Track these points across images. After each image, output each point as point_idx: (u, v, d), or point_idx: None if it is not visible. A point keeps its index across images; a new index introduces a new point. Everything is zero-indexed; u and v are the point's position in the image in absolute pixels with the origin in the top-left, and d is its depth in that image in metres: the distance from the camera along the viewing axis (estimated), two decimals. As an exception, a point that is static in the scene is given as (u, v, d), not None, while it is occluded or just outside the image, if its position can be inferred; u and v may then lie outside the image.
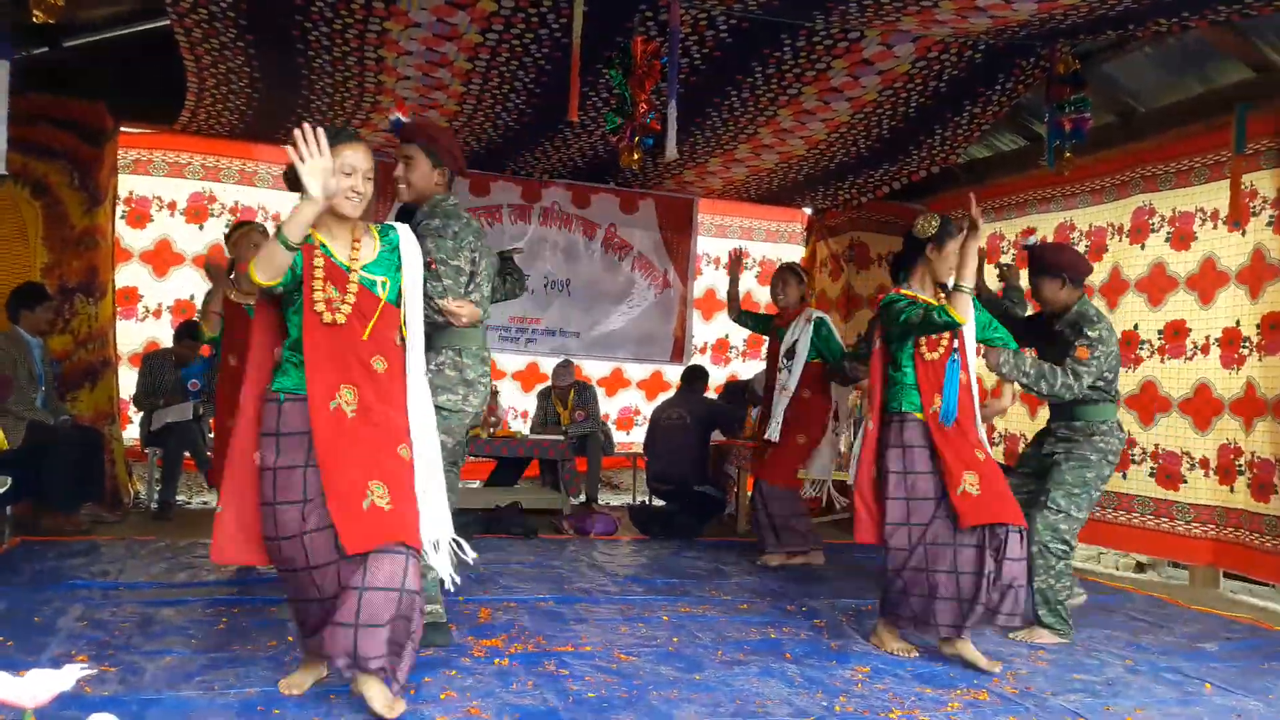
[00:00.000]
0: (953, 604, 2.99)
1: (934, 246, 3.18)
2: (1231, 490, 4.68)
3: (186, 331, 5.64)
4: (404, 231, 2.50)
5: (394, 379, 2.40)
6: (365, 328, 2.36)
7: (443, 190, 3.04)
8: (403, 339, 2.45)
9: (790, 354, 4.71)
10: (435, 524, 2.40)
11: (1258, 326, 4.58)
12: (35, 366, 4.82)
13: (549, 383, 6.87)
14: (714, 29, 4.18)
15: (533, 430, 6.74)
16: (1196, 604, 4.32)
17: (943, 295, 3.18)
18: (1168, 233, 5.13)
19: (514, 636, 3.13)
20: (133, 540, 4.54)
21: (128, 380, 5.87)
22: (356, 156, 2.38)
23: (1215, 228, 4.91)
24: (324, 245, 2.38)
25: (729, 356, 8.25)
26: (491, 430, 6.01)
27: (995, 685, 2.88)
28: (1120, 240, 5.42)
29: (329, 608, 2.31)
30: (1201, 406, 4.83)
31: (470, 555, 2.49)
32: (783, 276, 4.96)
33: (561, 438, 6.16)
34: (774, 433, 4.67)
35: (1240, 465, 4.67)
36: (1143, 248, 5.27)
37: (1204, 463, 4.82)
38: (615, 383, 7.62)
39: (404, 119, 3.10)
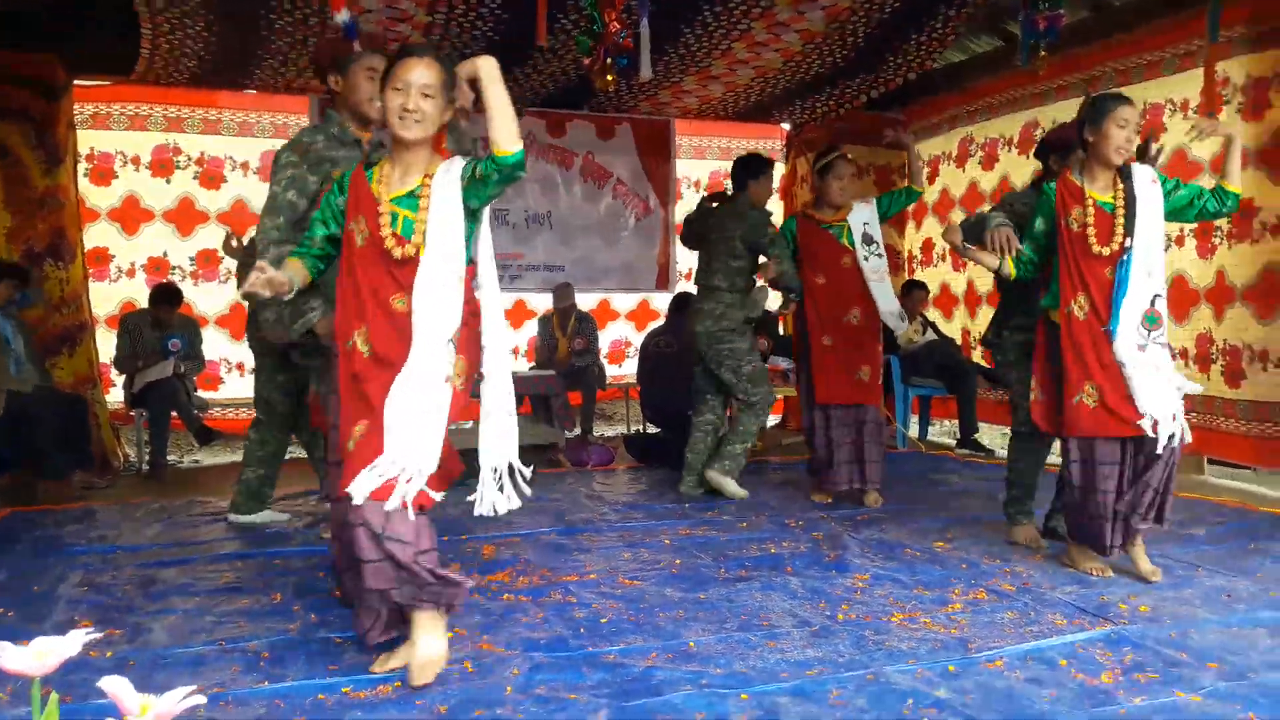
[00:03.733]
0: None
1: (1090, 128, 2.96)
2: (1207, 378, 4.75)
3: (163, 296, 5.53)
4: (447, 166, 2.22)
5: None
6: (384, 263, 2.19)
7: None
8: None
9: (869, 240, 4.12)
10: (491, 450, 2.27)
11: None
12: (7, 336, 4.74)
13: (548, 309, 6.82)
14: (681, -59, 4.04)
15: (537, 355, 6.71)
16: (1182, 491, 4.40)
17: (1121, 185, 3.01)
18: (1137, 124, 5.09)
19: (519, 570, 3.17)
20: (127, 504, 4.52)
21: (106, 343, 5.79)
22: (410, 70, 2.15)
23: (1185, 117, 4.88)
24: (369, 171, 2.26)
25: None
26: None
27: (993, 584, 2.94)
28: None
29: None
30: (1179, 298, 4.88)
31: (525, 485, 2.36)
32: (843, 170, 4.17)
33: (552, 372, 6.15)
34: (899, 321, 4.21)
35: (1213, 353, 4.74)
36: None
37: (1184, 353, 4.89)
38: (603, 315, 7.58)
39: (355, 24, 2.89)
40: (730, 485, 4.39)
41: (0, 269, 4.88)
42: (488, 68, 2.17)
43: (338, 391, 2.31)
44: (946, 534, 3.61)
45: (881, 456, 4.19)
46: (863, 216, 4.15)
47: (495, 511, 2.25)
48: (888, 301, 4.13)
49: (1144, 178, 2.97)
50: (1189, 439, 2.92)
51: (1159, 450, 2.87)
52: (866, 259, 4.11)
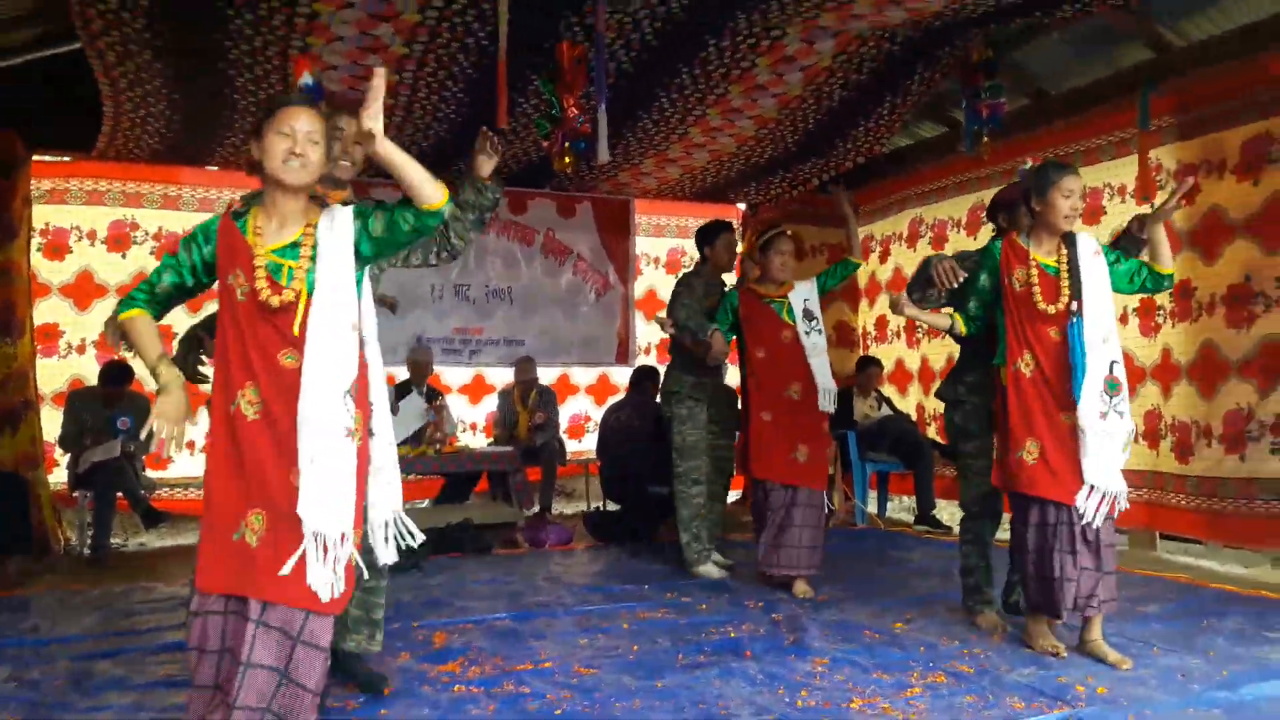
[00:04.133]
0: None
1: (1035, 198, 3.04)
2: (1157, 454, 4.85)
3: (113, 373, 5.42)
4: (329, 215, 2.16)
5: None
6: (269, 317, 2.07)
7: None
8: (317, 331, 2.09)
9: (810, 316, 4.15)
10: (320, 512, 2.04)
11: (1170, 295, 4.76)
12: None
13: (509, 383, 6.80)
14: (639, 31, 4.18)
15: (495, 430, 6.64)
16: (1137, 568, 4.46)
17: (1064, 250, 3.07)
18: (1082, 192, 5.31)
19: (471, 659, 3.08)
20: (65, 590, 4.34)
21: (52, 422, 5.64)
22: (295, 118, 2.10)
23: (1124, 201, 5.12)
24: (240, 222, 2.13)
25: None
26: (438, 446, 5.91)
27: (952, 665, 2.93)
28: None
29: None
30: (1126, 375, 4.98)
31: (418, 537, 2.27)
32: (785, 246, 4.21)
33: (510, 449, 6.10)
34: (829, 402, 4.08)
35: (1162, 429, 4.85)
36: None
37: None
38: (563, 389, 7.58)
39: (314, 83, 2.83)
40: (704, 570, 4.40)
41: None
42: (378, 129, 2.02)
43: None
44: (905, 615, 3.59)
45: (815, 541, 3.98)
46: (803, 293, 4.18)
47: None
48: (825, 379, 4.08)
49: (1087, 247, 3.05)
50: (1124, 507, 2.97)
51: (1093, 522, 2.92)
52: (807, 334, 4.11)
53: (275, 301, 2.07)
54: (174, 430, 2.08)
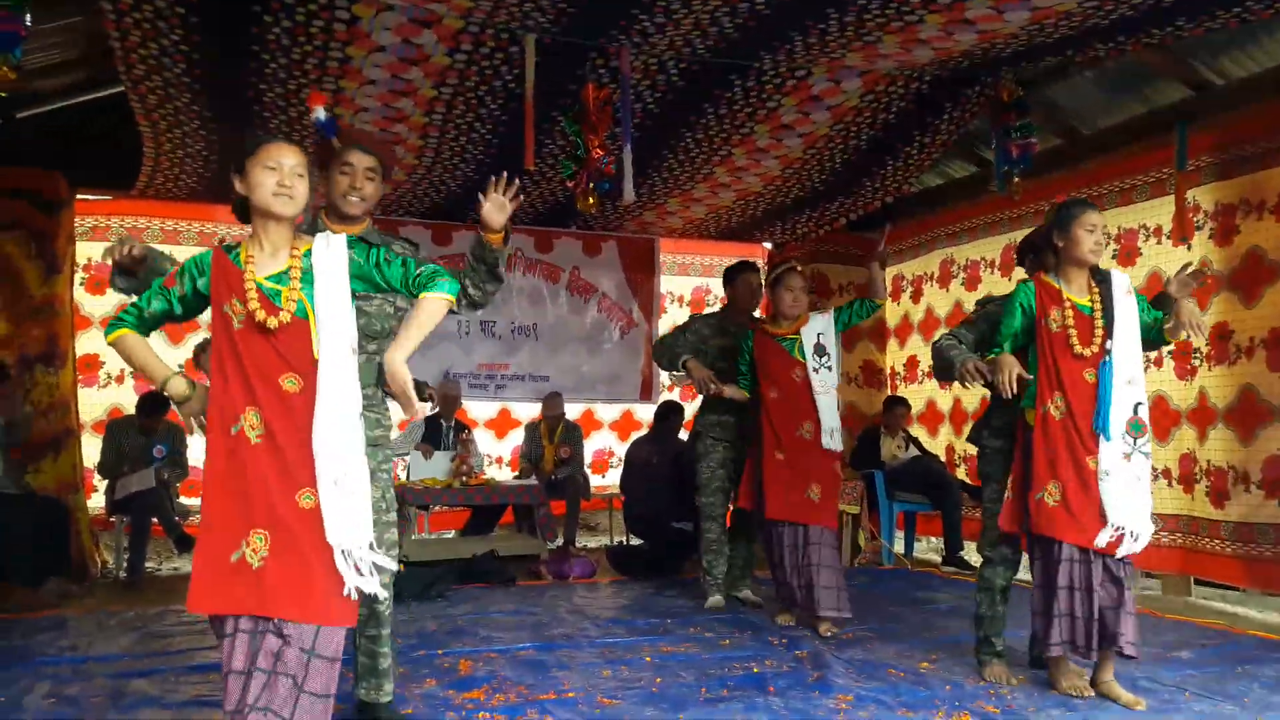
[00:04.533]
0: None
1: (1058, 233, 3.03)
2: (1192, 498, 4.77)
3: (150, 403, 5.55)
4: (323, 241, 2.23)
5: (309, 403, 2.12)
6: (270, 343, 2.13)
7: None
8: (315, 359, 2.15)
9: (821, 351, 4.09)
10: (346, 530, 2.10)
11: (1207, 338, 4.70)
12: None
13: (536, 417, 6.86)
14: (664, 73, 4.27)
15: (521, 464, 6.68)
16: (1170, 613, 4.37)
17: (1096, 289, 3.04)
18: (1114, 249, 5.28)
19: (495, 688, 3.09)
20: (102, 612, 4.43)
21: (91, 449, 5.77)
22: (282, 153, 2.18)
23: (1160, 243, 5.06)
24: (237, 255, 2.20)
25: (697, 393, 8.30)
26: (464, 479, 5.97)
27: (977, 706, 2.89)
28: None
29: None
30: (1160, 418, 4.94)
31: (392, 567, 2.30)
32: (794, 282, 4.17)
33: (535, 483, 6.14)
34: (835, 441, 4.04)
35: (1197, 474, 4.77)
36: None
37: (1166, 473, 4.92)
38: (587, 424, 7.63)
39: (328, 118, 2.83)
40: (709, 602, 4.43)
41: None
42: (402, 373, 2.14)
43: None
44: (931, 654, 3.55)
45: (837, 582, 3.91)
46: (817, 327, 4.12)
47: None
48: (830, 418, 4.02)
49: (1120, 285, 3.02)
50: (1138, 548, 2.91)
51: (1118, 568, 2.88)
52: (816, 370, 4.05)
53: (272, 323, 2.13)
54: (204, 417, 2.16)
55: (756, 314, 4.71)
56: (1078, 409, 2.94)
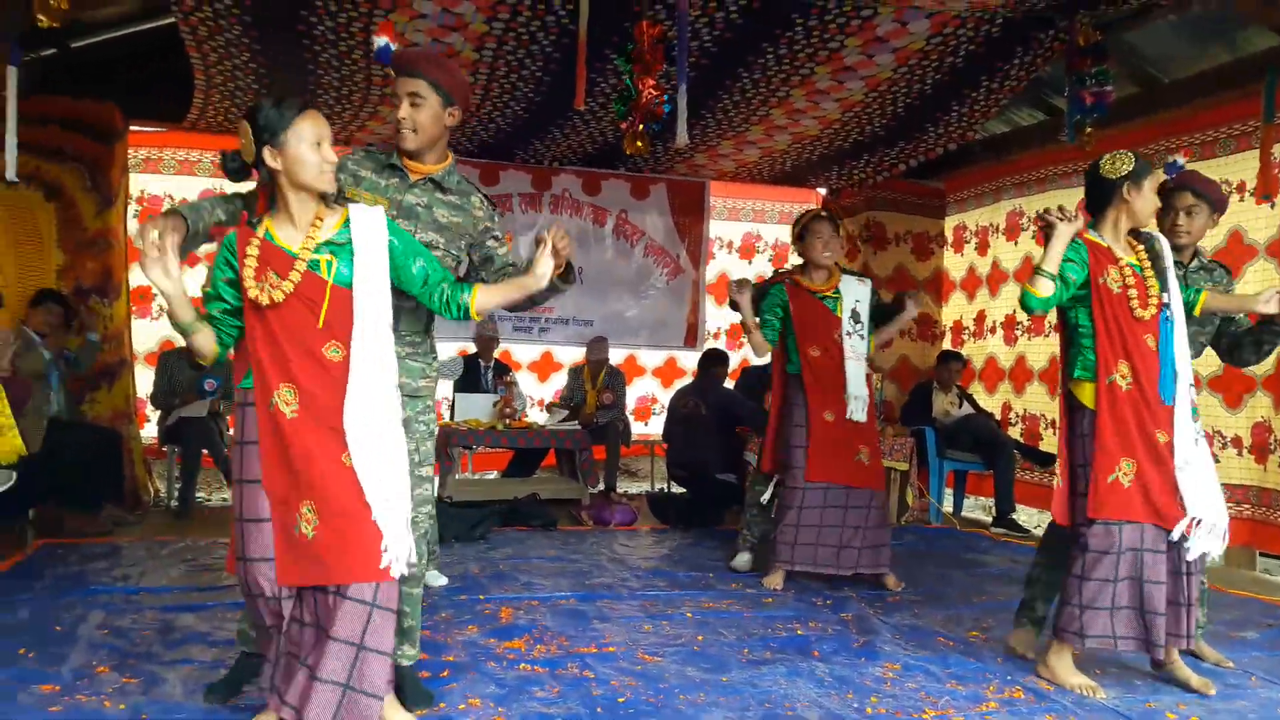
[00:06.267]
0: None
1: (1131, 186, 2.76)
2: (1264, 469, 4.59)
3: None
4: (360, 212, 2.21)
5: (348, 371, 2.14)
6: (315, 313, 2.12)
7: (448, 132, 2.51)
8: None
9: (856, 318, 3.97)
10: (389, 505, 2.13)
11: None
12: (42, 366, 4.82)
13: (579, 360, 6.80)
14: (724, 10, 4.08)
15: (563, 401, 6.69)
16: (1233, 588, 4.22)
17: (1139, 246, 2.83)
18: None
19: (536, 638, 3.10)
20: (153, 541, 4.54)
21: (145, 379, 5.86)
22: (321, 124, 2.16)
23: (1242, 200, 4.79)
24: (268, 231, 2.17)
25: (743, 341, 8.18)
26: (508, 421, 5.98)
27: (1030, 681, 2.81)
28: (1145, 214, 5.31)
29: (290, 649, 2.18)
30: (1232, 383, 4.74)
31: (434, 549, 2.37)
32: (822, 229, 3.97)
33: (578, 427, 6.12)
34: (859, 410, 3.93)
35: (1271, 443, 4.57)
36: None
37: (1237, 441, 4.73)
38: (630, 371, 7.56)
39: (392, 45, 2.70)
40: (734, 561, 4.35)
41: (44, 294, 4.98)
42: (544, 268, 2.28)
43: (247, 444, 2.17)
44: (981, 622, 3.48)
45: (887, 540, 3.95)
46: (855, 292, 3.99)
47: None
48: (857, 385, 3.91)
49: (1166, 246, 2.84)
50: (1221, 546, 2.72)
51: (1189, 558, 2.70)
52: (849, 334, 3.94)
53: (315, 296, 2.13)
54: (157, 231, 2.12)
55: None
56: (1145, 377, 2.72)
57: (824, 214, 4.10)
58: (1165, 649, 2.73)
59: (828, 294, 3.99)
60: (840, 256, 4.02)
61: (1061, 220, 2.74)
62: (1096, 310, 2.76)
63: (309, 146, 2.13)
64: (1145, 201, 2.78)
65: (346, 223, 2.19)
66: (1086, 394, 2.79)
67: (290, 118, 2.14)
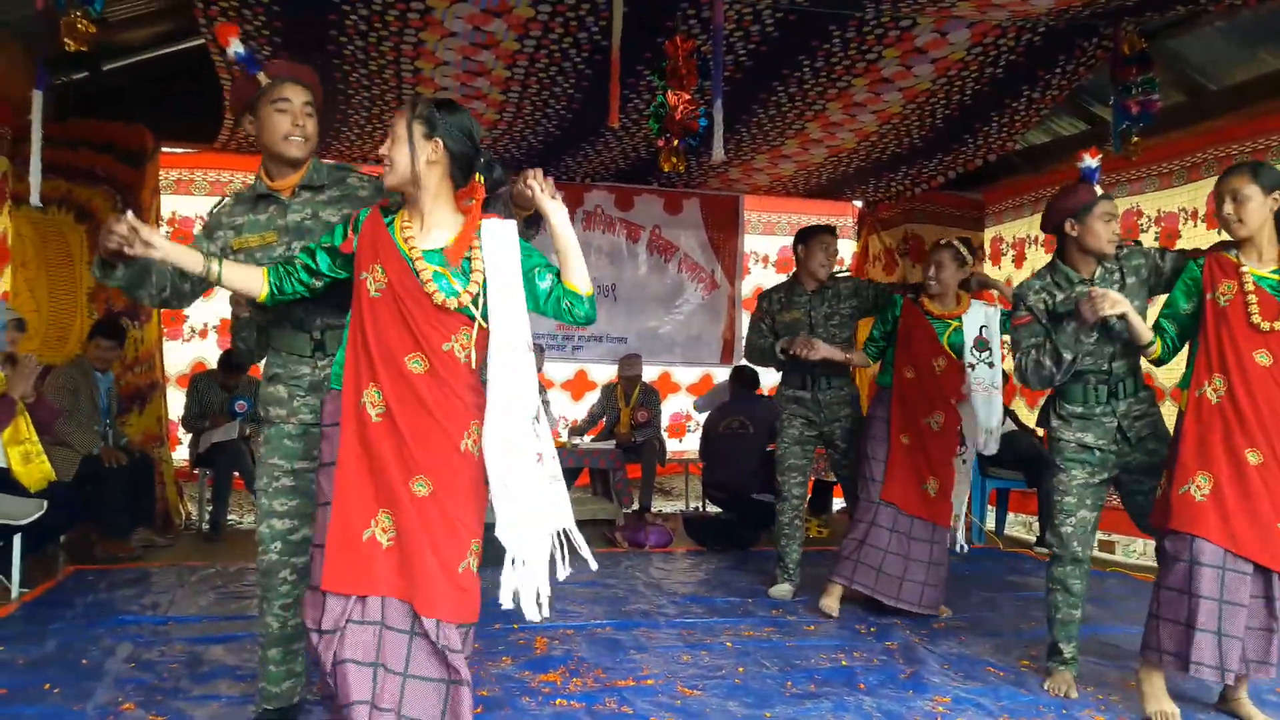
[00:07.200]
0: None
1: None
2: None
3: (231, 360, 5.60)
4: (492, 229, 2.08)
5: (441, 383, 2.00)
6: (408, 319, 2.01)
7: None
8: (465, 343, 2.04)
9: (983, 346, 3.76)
10: (516, 541, 2.01)
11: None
12: (99, 399, 4.83)
13: (612, 378, 6.73)
14: (759, 23, 4.01)
15: (591, 416, 6.59)
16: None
17: None
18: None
19: (572, 670, 3.00)
20: (183, 566, 4.51)
21: (176, 402, 5.87)
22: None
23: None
24: (390, 220, 2.08)
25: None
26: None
27: (1087, 715, 2.68)
28: (1194, 225, 5.15)
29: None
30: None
31: (588, 559, 2.18)
32: (941, 257, 3.84)
33: (612, 446, 6.04)
34: (994, 444, 3.72)
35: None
36: (1219, 233, 4.97)
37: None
38: (665, 388, 7.48)
39: (251, 55, 2.45)
40: (773, 590, 4.17)
41: (96, 328, 4.99)
42: (560, 214, 2.12)
43: (333, 462, 2.05)
44: (1031, 650, 3.34)
45: (940, 580, 3.78)
46: (980, 318, 3.76)
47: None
48: (990, 417, 3.67)
49: None
50: None
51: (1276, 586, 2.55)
52: (973, 366, 3.70)
53: (452, 304, 2.01)
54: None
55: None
56: (1242, 393, 2.58)
57: (948, 242, 3.95)
58: (1238, 678, 2.59)
59: (942, 319, 3.82)
60: (950, 287, 3.85)
61: (1104, 302, 2.69)
62: (1202, 324, 2.70)
63: (401, 142, 2.07)
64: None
65: (474, 242, 2.07)
66: (1183, 403, 2.72)
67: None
